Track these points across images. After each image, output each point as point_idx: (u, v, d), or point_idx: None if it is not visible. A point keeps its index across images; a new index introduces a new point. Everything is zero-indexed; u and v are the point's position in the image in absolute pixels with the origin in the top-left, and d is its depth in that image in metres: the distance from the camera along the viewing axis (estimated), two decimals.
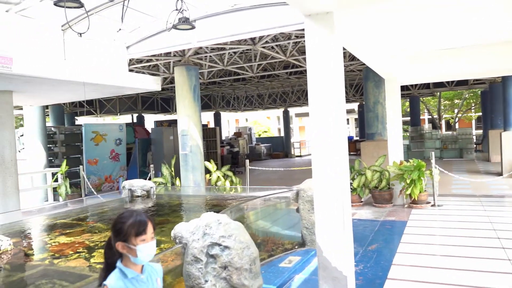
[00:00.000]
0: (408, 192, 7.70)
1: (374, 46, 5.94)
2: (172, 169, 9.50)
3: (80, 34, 6.20)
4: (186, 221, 5.14)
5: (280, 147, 27.10)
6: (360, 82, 20.43)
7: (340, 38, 3.46)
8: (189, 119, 8.87)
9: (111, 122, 25.95)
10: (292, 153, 26.84)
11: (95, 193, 10.62)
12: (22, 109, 12.07)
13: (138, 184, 6.87)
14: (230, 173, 9.13)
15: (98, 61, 7.75)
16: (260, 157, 25.10)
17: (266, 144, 27.03)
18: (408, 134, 20.64)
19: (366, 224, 6.82)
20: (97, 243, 4.10)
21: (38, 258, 3.57)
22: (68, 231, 4.75)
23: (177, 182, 9.12)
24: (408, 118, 23.86)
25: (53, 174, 10.90)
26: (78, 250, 3.81)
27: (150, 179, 9.80)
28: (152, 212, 5.90)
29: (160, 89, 8.88)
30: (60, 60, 6.93)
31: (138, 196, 6.82)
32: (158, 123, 18.97)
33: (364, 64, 12.19)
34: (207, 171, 9.19)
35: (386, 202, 8.12)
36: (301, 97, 23.83)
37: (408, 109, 24.08)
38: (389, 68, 7.51)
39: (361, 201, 8.44)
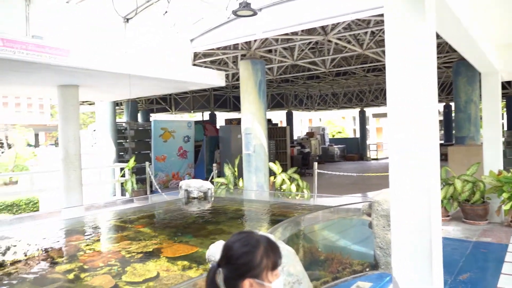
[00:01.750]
0: (508, 207, 6.38)
1: (477, 33, 4.85)
2: (236, 169, 9.01)
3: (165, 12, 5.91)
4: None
5: (355, 149, 25.69)
6: (446, 80, 18.51)
7: (432, 20, 2.61)
8: (253, 117, 8.31)
9: (181, 119, 26.48)
10: (368, 155, 25.30)
11: (159, 190, 10.53)
12: (94, 104, 12.44)
13: (195, 185, 6.43)
14: (296, 176, 8.41)
15: (161, 54, 7.46)
16: (333, 158, 23.96)
17: (340, 146, 25.80)
18: (504, 139, 18.26)
19: (454, 245, 5.71)
20: (133, 254, 3.62)
21: (63, 269, 3.14)
22: (109, 235, 4.37)
23: (240, 183, 8.61)
24: (504, 121, 21.23)
25: (122, 169, 11.00)
26: (109, 262, 3.35)
27: (212, 178, 9.41)
28: (206, 218, 5.38)
29: (224, 84, 8.42)
30: (121, 53, 6.71)
31: (194, 198, 6.38)
32: (227, 121, 18.79)
33: (454, 58, 10.76)
34: (272, 173, 8.56)
35: (480, 219, 6.84)
36: (379, 96, 22.30)
37: (504, 111, 21.42)
38: (491, 61, 6.27)
39: (448, 216, 7.24)
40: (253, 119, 8.32)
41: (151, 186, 10.96)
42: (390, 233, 3.59)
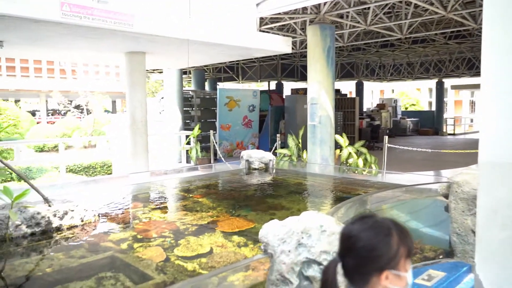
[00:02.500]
0: None
1: None
2: (299, 140, 8.70)
3: None
4: (298, 211, 4.26)
5: (429, 123, 24.04)
6: None
7: None
8: (320, 86, 7.85)
9: (248, 88, 26.39)
10: (444, 130, 23.58)
11: (222, 159, 10.55)
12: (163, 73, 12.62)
13: (256, 156, 6.23)
14: (364, 150, 7.92)
15: (225, 20, 7.21)
16: (405, 132, 22.67)
17: (413, 119, 24.29)
18: None
19: None
20: (188, 226, 3.52)
21: (117, 237, 3.10)
22: (166, 204, 4.33)
23: (304, 155, 8.30)
24: None
25: (187, 137, 11.15)
26: (163, 233, 3.26)
27: (276, 149, 9.19)
28: (265, 191, 5.17)
29: (290, 51, 8.02)
30: (185, 18, 6.56)
31: (255, 169, 6.20)
32: (294, 91, 18.33)
33: None
34: (338, 145, 8.13)
35: None
36: (461, 66, 20.42)
37: None
38: None
39: None
40: (319, 88, 7.87)
41: (215, 154, 11.02)
42: (470, 219, 3.16)
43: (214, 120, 13.22)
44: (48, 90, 29.90)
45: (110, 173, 13.16)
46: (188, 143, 10.88)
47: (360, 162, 7.57)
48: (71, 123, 24.39)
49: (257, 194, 4.96)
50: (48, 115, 32.26)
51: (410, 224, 4.91)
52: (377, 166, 7.67)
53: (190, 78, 19.50)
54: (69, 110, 27.57)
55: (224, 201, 4.50)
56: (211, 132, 10.96)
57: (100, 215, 3.50)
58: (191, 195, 4.77)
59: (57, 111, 31.48)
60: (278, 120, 14.50)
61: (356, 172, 6.77)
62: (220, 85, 23.77)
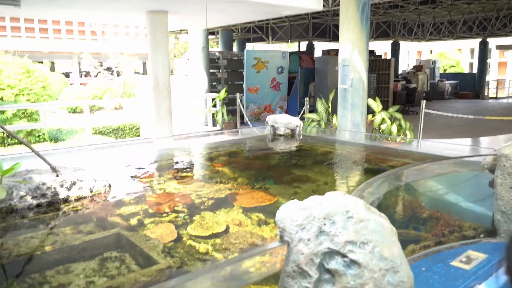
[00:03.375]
0: None
1: None
2: (329, 105, 8.26)
3: None
4: (324, 185, 3.95)
5: (470, 86, 22.74)
6: None
7: None
8: (352, 46, 7.29)
9: (279, 49, 25.54)
10: (486, 94, 22.26)
11: (248, 123, 10.28)
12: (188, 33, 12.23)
13: (282, 121, 5.89)
14: (398, 115, 7.42)
15: None
16: (443, 96, 21.57)
17: (451, 81, 23.02)
18: None
19: None
20: (204, 200, 3.27)
21: (127, 211, 2.89)
22: (183, 174, 4.09)
23: (334, 120, 7.88)
24: None
25: (213, 100, 10.89)
26: (177, 208, 3.04)
27: (304, 113, 8.81)
28: (290, 160, 4.86)
29: (321, 8, 7.45)
30: None
31: (281, 135, 5.87)
32: (325, 52, 17.56)
33: None
34: (370, 110, 7.65)
35: None
36: (508, 24, 18.88)
37: None
38: None
39: None
40: (352, 48, 7.32)
41: (242, 118, 10.75)
42: None
43: (241, 82, 12.84)
44: (80, 52, 30.17)
45: (138, 135, 13.19)
46: (214, 106, 10.63)
47: (394, 128, 7.10)
48: (102, 85, 24.60)
49: (281, 163, 4.66)
50: (81, 77, 32.75)
51: (448, 197, 4.51)
52: (412, 133, 7.18)
53: (218, 39, 19.00)
54: (100, 72, 27.82)
55: (246, 171, 4.23)
56: (238, 95, 10.63)
57: (111, 186, 3.30)
58: (211, 164, 4.52)
59: (89, 73, 31.92)
60: (308, 82, 13.97)
61: (389, 139, 6.33)
62: (249, 46, 23.12)
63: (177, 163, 4.70)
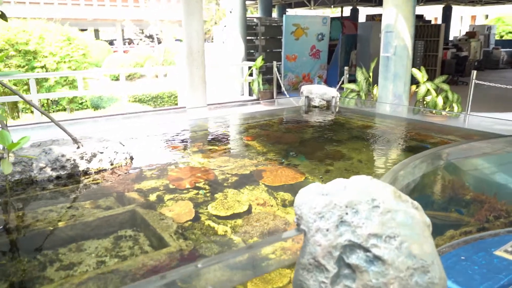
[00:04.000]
0: None
1: None
2: (370, 74, 7.81)
3: None
4: (359, 163, 3.69)
5: None
6: None
7: None
8: (397, 11, 6.75)
9: (321, 15, 24.57)
10: None
11: (285, 93, 9.98)
12: None
13: (317, 92, 5.61)
14: (445, 87, 6.90)
15: None
16: (497, 65, 20.10)
17: (508, 49, 21.35)
18: None
19: None
20: (227, 176, 3.14)
21: (146, 186, 2.81)
22: (211, 147, 3.96)
23: (375, 91, 7.46)
24: None
25: (250, 68, 10.63)
26: (198, 184, 2.92)
27: (343, 83, 8.41)
28: (324, 134, 4.62)
29: None
30: None
31: (316, 107, 5.61)
32: (369, 17, 16.66)
33: None
34: (415, 81, 7.16)
35: None
36: None
37: None
38: None
39: None
40: (397, 13, 6.79)
41: (279, 87, 10.45)
42: None
43: (280, 50, 12.44)
44: (122, 19, 30.44)
45: (177, 104, 13.24)
46: (251, 75, 10.38)
47: (440, 100, 6.61)
48: (143, 52, 24.83)
49: (314, 137, 4.43)
50: (124, 44, 33.22)
51: (495, 178, 4.14)
52: (459, 106, 6.67)
53: (257, 4, 18.46)
54: (141, 40, 28.03)
55: (276, 146, 4.05)
56: (274, 63, 10.30)
57: (133, 158, 3.23)
58: (241, 136, 4.37)
59: (132, 41, 32.31)
60: (349, 50, 13.35)
61: (434, 113, 5.90)
62: (290, 12, 22.32)
63: (205, 135, 4.58)
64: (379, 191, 1.67)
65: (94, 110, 13.08)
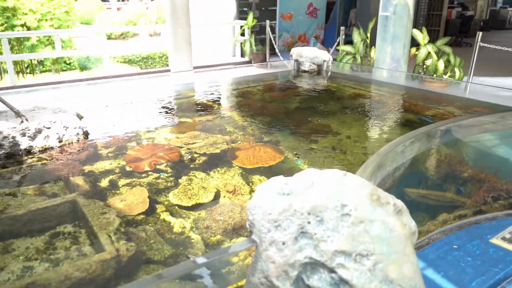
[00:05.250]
0: None
1: None
2: (368, 35, 7.29)
3: None
4: (347, 139, 3.32)
5: None
6: None
7: None
8: None
9: None
10: None
11: (279, 54, 9.46)
12: None
13: (307, 55, 5.18)
14: (448, 49, 6.43)
15: None
16: (503, 25, 19.31)
17: None
18: None
19: None
20: (195, 156, 2.79)
21: (98, 169, 2.47)
22: (181, 120, 3.59)
23: (372, 54, 6.97)
24: None
25: (241, 27, 10.03)
26: (159, 166, 2.59)
27: (338, 44, 7.90)
28: (312, 104, 4.24)
29: None
30: None
31: (305, 72, 5.19)
32: None
33: None
34: (415, 43, 6.67)
35: None
36: None
37: None
38: None
39: None
40: None
41: (272, 48, 9.89)
42: None
43: (275, 8, 11.76)
44: None
45: (167, 65, 12.69)
46: (243, 34, 9.80)
47: (441, 64, 6.16)
48: (137, 10, 23.82)
49: (300, 108, 4.05)
50: (118, 1, 31.95)
51: (498, 154, 3.80)
52: (462, 70, 6.23)
53: None
54: None
55: (258, 118, 3.68)
56: (267, 22, 9.69)
57: (88, 134, 2.87)
58: (218, 106, 3.99)
59: None
60: (348, 8, 12.65)
61: (434, 79, 5.48)
62: None
63: (181, 104, 4.20)
64: (352, 193, 1.33)
65: (81, 71, 12.55)
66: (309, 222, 1.29)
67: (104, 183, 2.34)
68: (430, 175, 3.29)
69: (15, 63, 11.10)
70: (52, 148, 2.61)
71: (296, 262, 1.27)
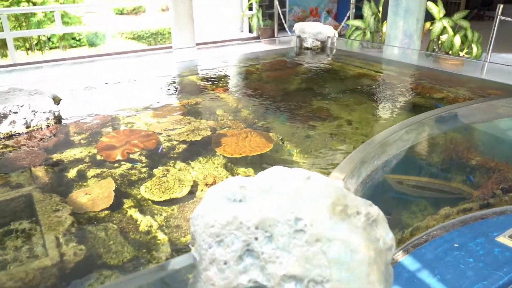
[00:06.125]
0: None
1: None
2: (380, 9, 6.87)
3: None
4: (348, 125, 3.06)
5: None
6: None
7: None
8: None
9: None
10: None
11: (287, 29, 9.08)
12: None
13: (310, 31, 4.88)
14: (465, 24, 6.00)
15: None
16: None
17: None
18: None
19: None
20: (175, 143, 2.61)
21: (66, 157, 2.31)
22: (170, 102, 3.40)
23: (384, 29, 6.58)
24: None
25: (249, 1, 9.65)
26: (133, 156, 2.42)
27: (349, 19, 7.50)
28: (312, 85, 3.98)
29: None
30: None
31: (308, 49, 4.90)
32: None
33: None
34: (430, 17, 6.24)
35: None
36: None
37: None
38: None
39: None
40: None
41: (280, 24, 9.51)
42: None
43: None
44: None
45: None
46: (251, 9, 9.42)
47: (457, 40, 5.76)
48: None
49: (300, 89, 3.79)
50: None
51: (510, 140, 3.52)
52: (480, 46, 5.82)
53: None
54: None
55: (252, 100, 3.45)
56: None
57: (61, 118, 2.69)
58: (212, 87, 3.76)
59: None
60: None
61: (448, 58, 5.12)
62: None
63: (171, 84, 3.98)
64: (310, 203, 1.11)
65: (90, 47, 12.41)
66: (256, 239, 1.08)
67: (72, 173, 2.17)
68: (432, 163, 3.03)
69: (24, 40, 11.01)
70: (18, 134, 2.44)
71: (239, 286, 1.07)
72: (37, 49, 11.67)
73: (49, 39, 12.58)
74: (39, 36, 11.92)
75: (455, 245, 2.44)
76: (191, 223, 1.19)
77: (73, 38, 12.71)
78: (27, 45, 11.51)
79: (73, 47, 12.92)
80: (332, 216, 1.08)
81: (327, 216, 1.07)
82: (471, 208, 2.75)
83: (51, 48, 12.66)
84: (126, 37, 12.34)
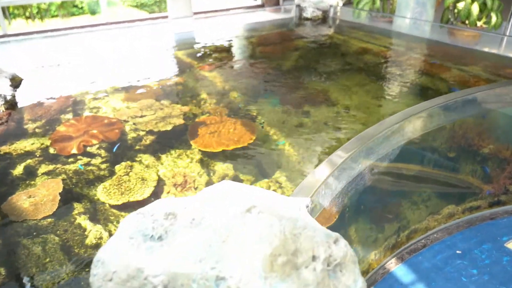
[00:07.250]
0: None
1: None
2: None
3: None
4: (345, 112, 2.69)
5: None
6: None
7: None
8: None
9: None
10: None
11: None
12: None
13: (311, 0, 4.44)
14: None
15: None
16: None
17: None
18: None
19: None
20: (141, 133, 2.33)
21: (15, 150, 2.08)
22: (146, 82, 3.08)
23: None
24: None
25: None
26: (91, 150, 2.16)
27: None
28: (311, 62, 3.61)
29: None
30: None
31: (308, 19, 4.49)
32: None
33: None
34: None
35: None
36: None
37: None
38: None
39: None
40: None
41: None
42: None
43: None
44: None
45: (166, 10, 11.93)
46: None
47: (475, 8, 5.24)
48: None
49: (296, 68, 3.42)
50: None
51: None
52: (500, 16, 5.29)
53: None
54: None
55: (241, 80, 3.11)
56: None
57: (15, 103, 2.41)
58: (199, 64, 3.42)
59: None
60: None
61: (463, 30, 4.66)
62: None
63: (155, 60, 3.65)
64: (241, 254, 0.82)
65: (92, 15, 12.02)
66: None
67: (19, 170, 1.91)
68: (437, 152, 2.70)
69: (24, 8, 10.66)
70: None
71: None
72: (38, 18, 11.34)
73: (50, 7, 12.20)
74: (38, 5, 11.55)
75: (458, 252, 2.15)
76: (91, 269, 0.91)
77: (75, 6, 12.31)
78: (28, 14, 11.18)
79: (74, 15, 12.54)
80: (269, 274, 0.79)
81: (261, 276, 0.78)
82: (479, 206, 2.44)
83: (52, 17, 12.31)
84: (128, 5, 11.90)
